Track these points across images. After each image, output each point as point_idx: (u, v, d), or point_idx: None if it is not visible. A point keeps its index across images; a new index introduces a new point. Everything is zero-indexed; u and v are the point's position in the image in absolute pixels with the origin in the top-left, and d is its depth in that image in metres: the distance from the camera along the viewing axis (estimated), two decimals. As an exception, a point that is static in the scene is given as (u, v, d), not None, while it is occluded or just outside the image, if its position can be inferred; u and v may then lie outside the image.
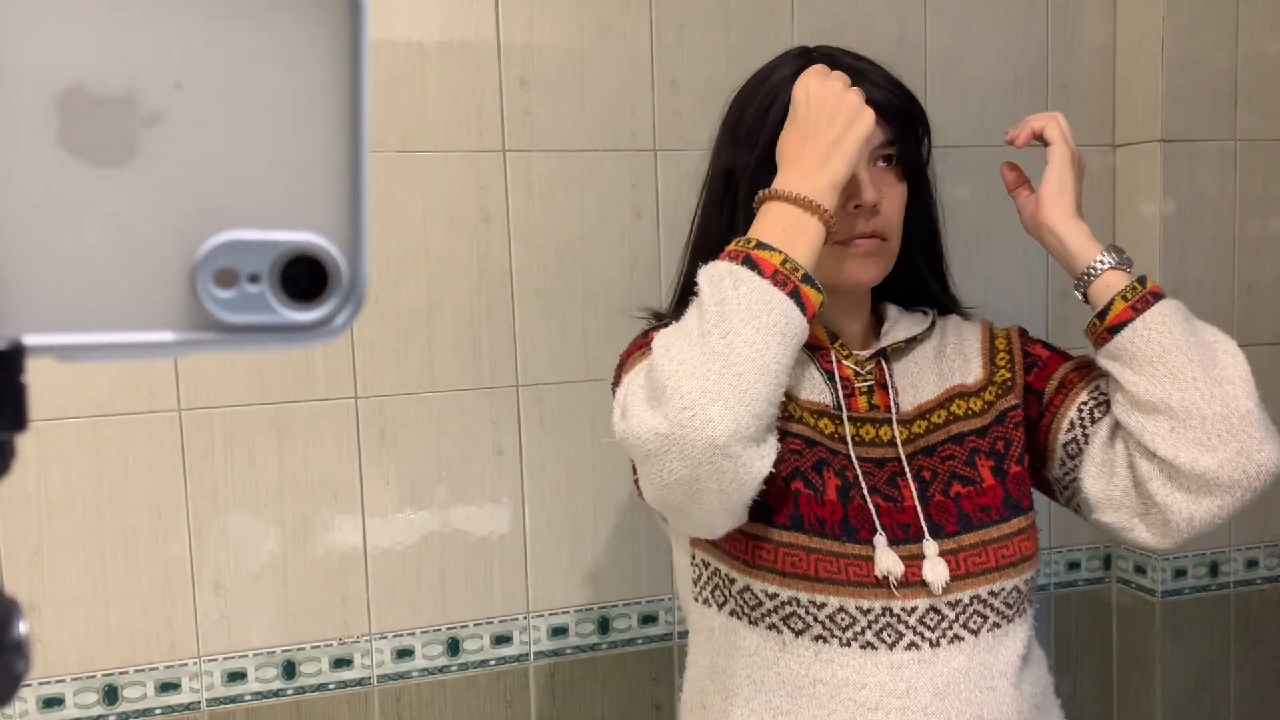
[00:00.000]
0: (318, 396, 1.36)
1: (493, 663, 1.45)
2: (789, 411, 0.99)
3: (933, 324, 1.10)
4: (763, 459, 0.86)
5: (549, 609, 1.47)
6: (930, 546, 0.97)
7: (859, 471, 0.99)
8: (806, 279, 0.87)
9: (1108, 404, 1.02)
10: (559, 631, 1.47)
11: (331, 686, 1.39)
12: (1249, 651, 1.69)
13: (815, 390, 1.03)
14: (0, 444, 0.31)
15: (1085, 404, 1.03)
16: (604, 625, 1.49)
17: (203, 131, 0.30)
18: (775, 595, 0.97)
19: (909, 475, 1.00)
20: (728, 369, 0.83)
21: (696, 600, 1.05)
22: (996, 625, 0.98)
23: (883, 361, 1.05)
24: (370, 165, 0.31)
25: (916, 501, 0.99)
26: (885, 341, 1.06)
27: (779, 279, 0.86)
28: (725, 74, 1.46)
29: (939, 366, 1.07)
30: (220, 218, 0.30)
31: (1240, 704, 1.69)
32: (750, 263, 0.87)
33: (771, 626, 0.97)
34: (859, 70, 1.01)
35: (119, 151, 0.30)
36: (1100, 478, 1.01)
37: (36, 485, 1.28)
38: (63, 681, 1.30)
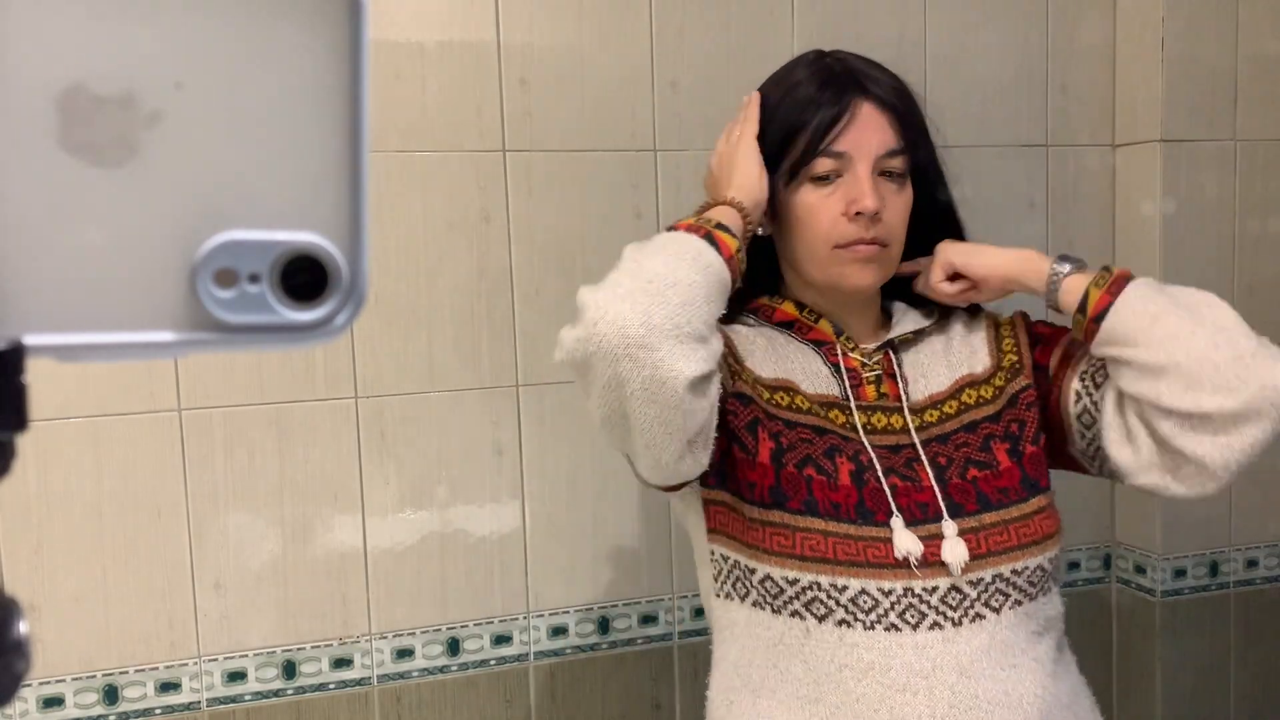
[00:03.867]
0: (318, 396, 1.36)
1: (493, 663, 1.45)
2: (795, 404, 1.02)
3: (939, 318, 1.12)
4: (685, 359, 0.88)
5: (549, 609, 1.47)
6: (949, 527, 0.98)
7: (873, 456, 1.00)
8: (721, 227, 0.96)
9: (1106, 369, 1.02)
10: (559, 631, 1.47)
11: (331, 686, 1.39)
12: (1249, 651, 1.69)
13: (821, 383, 1.05)
14: (0, 444, 0.31)
15: (1086, 373, 1.04)
16: (604, 625, 1.49)
17: (203, 131, 0.30)
18: (796, 581, 0.97)
19: (925, 460, 1.01)
20: (637, 279, 0.90)
21: (719, 595, 1.05)
22: (1019, 603, 0.99)
23: (890, 353, 1.07)
24: (370, 165, 0.31)
25: (934, 482, 1.00)
26: (893, 333, 1.08)
27: (693, 229, 0.96)
28: (725, 75, 1.46)
29: (948, 358, 1.08)
30: (220, 218, 0.30)
31: (1240, 704, 1.69)
32: (671, 228, 0.98)
33: (795, 613, 0.98)
34: (867, 75, 1.05)
35: (119, 151, 0.30)
36: (1124, 446, 1.01)
37: (36, 485, 1.28)
38: (63, 681, 1.29)
